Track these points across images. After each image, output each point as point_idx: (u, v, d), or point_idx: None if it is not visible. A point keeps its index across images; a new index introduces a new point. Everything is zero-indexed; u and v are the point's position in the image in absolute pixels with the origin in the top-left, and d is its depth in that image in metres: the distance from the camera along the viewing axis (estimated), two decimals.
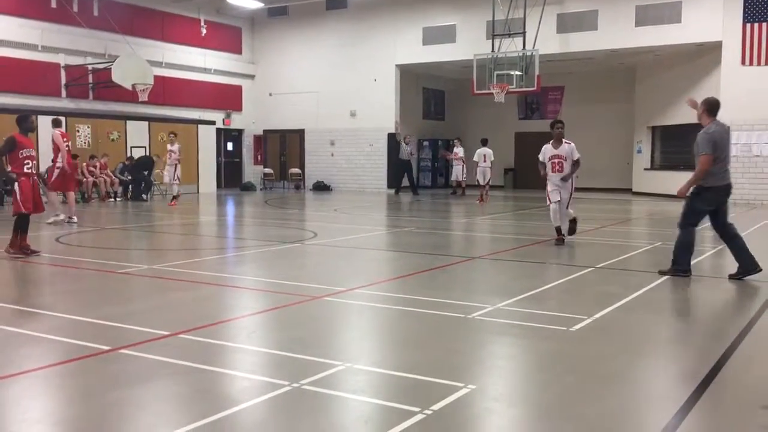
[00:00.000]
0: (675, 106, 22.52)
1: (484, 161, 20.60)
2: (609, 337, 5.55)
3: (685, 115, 21.99)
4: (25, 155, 9.32)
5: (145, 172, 21.13)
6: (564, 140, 10.67)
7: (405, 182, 24.81)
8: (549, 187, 10.78)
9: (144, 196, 20.99)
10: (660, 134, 24.31)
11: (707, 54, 20.79)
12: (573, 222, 11.06)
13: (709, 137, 7.72)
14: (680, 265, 7.94)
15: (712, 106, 7.83)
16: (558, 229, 10.78)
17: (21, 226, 9.24)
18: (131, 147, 21.90)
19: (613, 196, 23.62)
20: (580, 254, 10.30)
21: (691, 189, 7.97)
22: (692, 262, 8.14)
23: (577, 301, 6.81)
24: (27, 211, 9.27)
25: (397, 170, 24.52)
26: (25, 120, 9.54)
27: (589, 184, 27.24)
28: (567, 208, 10.76)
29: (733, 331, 5.71)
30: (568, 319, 5.87)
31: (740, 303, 7.18)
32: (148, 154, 21.98)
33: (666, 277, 8.00)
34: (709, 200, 7.82)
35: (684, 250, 7.95)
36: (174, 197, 18.97)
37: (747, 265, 7.75)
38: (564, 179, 10.63)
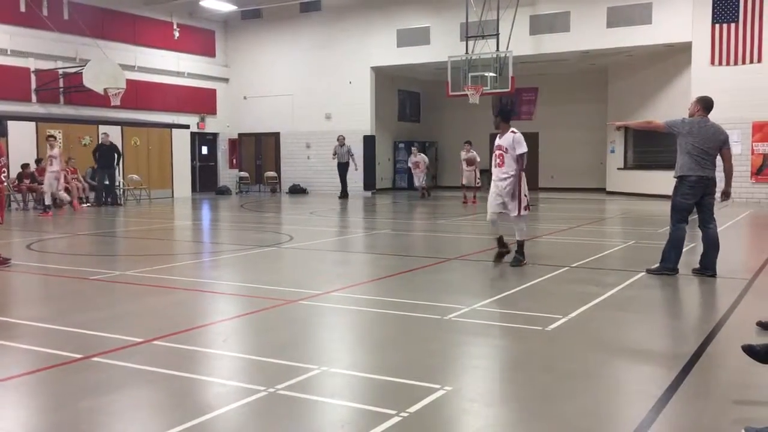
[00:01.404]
0: (647, 106, 22.82)
1: (467, 166, 20.41)
2: (584, 335, 5.58)
3: (659, 114, 22.31)
4: (2, 163, 9.16)
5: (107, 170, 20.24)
6: (511, 129, 8.78)
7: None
8: (491, 190, 8.99)
9: (108, 198, 20.17)
10: (633, 134, 24.57)
11: (678, 54, 21.08)
12: (520, 248, 8.78)
13: (683, 119, 8.14)
14: (667, 263, 8.00)
15: (705, 103, 8.08)
16: (499, 240, 8.97)
17: None
18: None
19: (587, 196, 23.84)
20: (555, 254, 10.36)
21: (622, 126, 9.44)
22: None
23: (553, 301, 6.85)
24: None
25: (340, 172, 23.46)
26: (3, 126, 9.32)
27: (563, 184, 27.52)
28: (520, 215, 8.71)
29: (707, 327, 5.78)
30: (543, 319, 5.90)
31: (713, 299, 7.27)
32: (110, 142, 20.42)
33: (642, 275, 8.08)
34: (685, 193, 7.90)
35: (672, 247, 8.02)
36: (47, 208, 16.98)
37: (707, 265, 7.92)
38: (504, 178, 8.74)
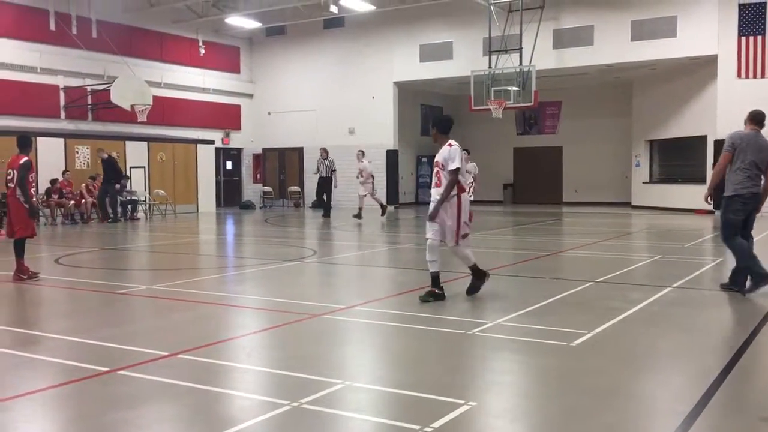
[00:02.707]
0: (673, 119, 22.64)
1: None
2: (610, 351, 5.52)
3: (684, 128, 22.15)
4: (32, 179, 9.38)
5: (118, 185, 19.95)
6: (449, 142, 7.38)
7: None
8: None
9: (110, 214, 19.67)
10: (658, 148, 24.38)
11: (703, 67, 20.90)
12: (475, 274, 7.67)
13: (730, 137, 7.76)
14: (757, 276, 7.58)
15: (753, 116, 7.87)
16: (434, 278, 7.46)
17: (22, 249, 9.22)
18: (130, 167, 21.94)
19: (612, 210, 23.63)
20: (579, 268, 10.28)
21: (709, 194, 8.06)
22: (694, 275, 8.10)
23: (578, 316, 6.79)
24: (32, 234, 9.26)
25: (319, 188, 21.11)
26: (30, 142, 9.52)
27: (587, 198, 27.33)
28: (458, 243, 7.44)
29: (735, 344, 5.69)
30: (568, 334, 5.84)
31: (742, 316, 7.15)
32: (108, 156, 20.03)
33: (668, 290, 7.98)
34: (736, 210, 7.70)
35: (744, 257, 7.72)
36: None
37: (737, 282, 7.76)
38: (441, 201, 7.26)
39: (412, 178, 28.76)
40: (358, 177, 20.29)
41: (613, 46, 21.29)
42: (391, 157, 25.34)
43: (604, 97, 26.88)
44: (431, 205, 7.44)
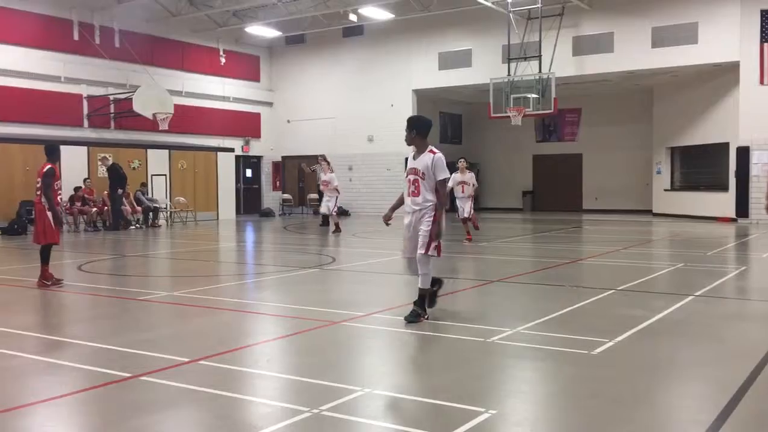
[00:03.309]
0: (694, 126, 22.45)
1: (462, 191, 15.06)
2: (632, 360, 5.48)
3: (705, 135, 21.94)
4: (58, 186, 9.50)
5: (120, 191, 19.67)
6: (430, 149, 6.83)
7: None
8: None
9: (120, 221, 19.45)
10: (680, 155, 24.18)
11: (725, 74, 20.72)
12: (420, 300, 6.85)
13: None
14: None
15: None
16: (433, 284, 7.01)
17: (48, 256, 9.36)
18: (152, 175, 22.16)
19: (633, 218, 23.45)
20: (600, 276, 10.21)
21: None
22: (717, 283, 8.02)
23: (599, 324, 6.74)
24: (56, 241, 9.39)
25: (320, 198, 20.18)
26: (57, 150, 9.65)
27: (607, 206, 27.15)
28: (427, 253, 6.73)
29: (758, 354, 5.62)
30: (589, 342, 5.80)
31: (765, 325, 7.06)
32: (111, 164, 19.99)
33: (691, 298, 7.89)
34: None
35: None
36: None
37: None
38: (418, 211, 6.77)
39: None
40: (320, 187, 17.95)
41: (633, 53, 21.17)
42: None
43: (625, 103, 26.73)
44: (406, 218, 6.83)
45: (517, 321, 6.74)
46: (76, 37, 21.41)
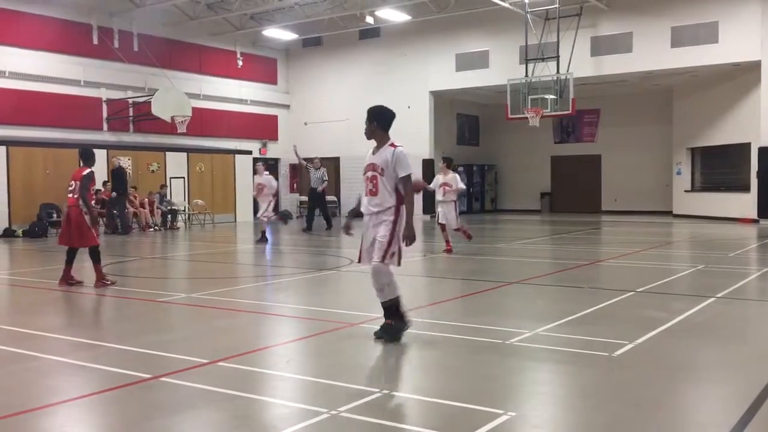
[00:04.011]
0: (715, 126, 22.22)
1: (443, 195, 13.15)
2: (653, 362, 5.42)
3: (726, 135, 21.71)
4: (92, 190, 9.64)
5: (113, 194, 19.55)
6: (391, 142, 6.23)
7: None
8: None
9: (118, 225, 19.19)
10: (700, 155, 23.95)
11: (746, 74, 20.49)
12: (389, 310, 6.13)
13: None
14: None
15: None
16: (392, 305, 6.18)
17: (98, 255, 9.48)
18: (170, 178, 22.32)
19: (653, 219, 23.25)
20: (620, 278, 10.13)
21: None
22: (738, 285, 7.94)
23: (619, 326, 6.68)
24: (97, 242, 9.53)
25: (311, 201, 19.76)
26: (93, 155, 9.76)
27: (627, 207, 26.94)
28: (384, 261, 6.02)
29: None
30: (609, 344, 5.76)
31: None
32: (118, 165, 20.28)
33: (712, 300, 7.81)
34: None
35: None
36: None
37: None
38: (378, 213, 6.04)
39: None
40: (255, 194, 16.94)
41: (652, 53, 21.00)
42: (428, 166, 25.30)
43: (644, 104, 26.52)
44: (374, 219, 6.05)
45: (537, 323, 6.70)
46: (95, 41, 21.61)
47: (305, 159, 20.02)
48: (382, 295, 6.11)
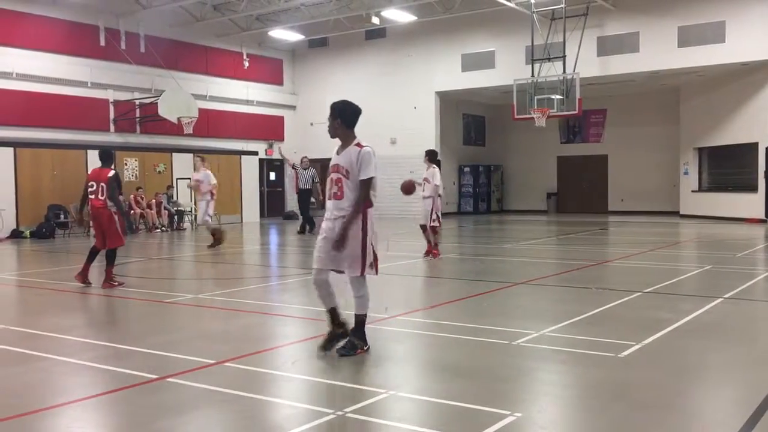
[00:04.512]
0: (722, 126, 22.14)
1: (422, 190, 12.29)
2: (660, 363, 5.40)
3: (734, 135, 21.63)
4: (119, 191, 9.75)
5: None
6: (356, 142, 5.72)
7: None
8: (320, 234, 5.77)
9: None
10: (707, 155, 23.86)
11: (753, 73, 20.42)
12: (358, 327, 5.77)
13: None
14: None
15: None
16: (332, 314, 5.81)
17: (114, 258, 9.56)
18: (177, 179, 22.37)
19: (660, 219, 23.18)
20: (627, 278, 10.10)
21: None
22: (746, 286, 7.91)
23: (626, 327, 6.66)
24: (123, 243, 9.62)
25: (301, 202, 19.06)
26: (111, 155, 9.81)
27: (633, 208, 26.87)
28: (363, 274, 5.67)
29: None
30: (616, 345, 5.74)
31: None
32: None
33: (720, 300, 7.78)
34: None
35: None
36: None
37: None
38: (341, 217, 5.57)
39: (455, 187, 28.68)
40: (191, 189, 15.98)
41: (659, 53, 20.93)
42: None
43: (651, 104, 26.44)
44: (325, 224, 5.66)
45: (543, 323, 6.69)
46: (102, 42, 21.68)
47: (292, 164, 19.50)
48: (356, 307, 5.73)
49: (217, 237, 14.90)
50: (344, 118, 5.73)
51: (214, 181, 15.18)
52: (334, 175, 5.65)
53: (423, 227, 12.52)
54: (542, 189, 29.29)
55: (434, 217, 12.17)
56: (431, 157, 12.56)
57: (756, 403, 4.34)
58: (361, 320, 5.75)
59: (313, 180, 18.72)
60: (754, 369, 5.35)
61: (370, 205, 5.64)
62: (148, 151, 22.02)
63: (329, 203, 5.68)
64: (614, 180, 27.78)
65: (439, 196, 12.30)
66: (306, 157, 19.62)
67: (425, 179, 12.29)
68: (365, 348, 5.69)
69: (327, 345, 5.68)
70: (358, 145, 5.64)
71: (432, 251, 12.39)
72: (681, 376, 5.07)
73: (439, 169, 12.75)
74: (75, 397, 4.69)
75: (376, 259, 5.72)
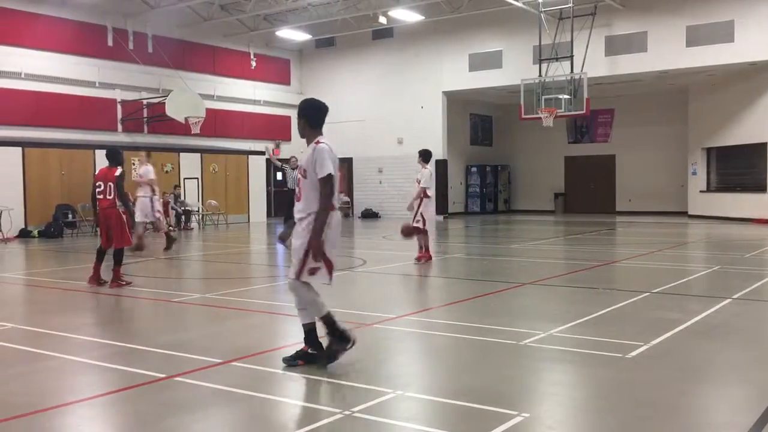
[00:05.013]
0: (731, 126, 22.05)
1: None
2: (668, 363, 5.38)
3: (742, 135, 21.53)
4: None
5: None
6: (317, 140, 5.35)
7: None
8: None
9: None
10: (716, 155, 23.76)
11: (762, 73, 20.32)
12: (308, 336, 5.39)
13: None
14: None
15: None
16: (307, 332, 5.40)
17: (121, 257, 9.58)
18: (184, 178, 22.42)
19: (668, 220, 23.09)
20: (635, 279, 10.06)
21: None
22: (755, 286, 7.87)
23: (634, 327, 6.64)
24: (131, 243, 9.64)
25: (287, 201, 18.01)
26: (118, 155, 9.78)
27: (641, 208, 26.77)
28: (298, 278, 5.27)
29: None
30: (624, 346, 5.72)
31: None
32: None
33: (728, 301, 7.74)
34: None
35: None
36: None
37: None
38: (301, 219, 5.28)
39: (462, 187, 28.66)
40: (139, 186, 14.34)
41: (667, 53, 20.85)
42: (441, 167, 25.27)
43: (659, 104, 26.35)
44: (298, 228, 5.29)
45: (550, 324, 6.67)
46: (110, 42, 21.75)
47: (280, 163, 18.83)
48: (300, 318, 5.36)
49: (171, 237, 14.37)
50: (307, 117, 5.44)
51: (152, 175, 14.17)
52: (299, 177, 5.34)
53: (415, 229, 11.85)
54: (549, 189, 29.22)
55: (418, 218, 11.62)
56: (425, 158, 12.22)
57: (765, 403, 4.31)
58: (309, 327, 5.33)
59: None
60: (763, 369, 5.32)
61: (333, 208, 5.20)
62: (155, 151, 21.97)
63: (296, 206, 5.36)
64: (622, 180, 27.69)
65: (428, 197, 11.75)
66: (294, 157, 19.07)
67: (417, 180, 11.99)
68: (346, 348, 5.25)
69: (322, 362, 5.25)
70: (317, 142, 5.29)
71: (419, 254, 11.90)
72: (689, 376, 5.05)
73: (427, 167, 12.19)
74: (83, 396, 4.70)
75: (329, 265, 5.22)
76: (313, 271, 5.19)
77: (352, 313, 7.38)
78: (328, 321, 5.26)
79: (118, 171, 9.44)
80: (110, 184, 9.39)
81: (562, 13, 21.53)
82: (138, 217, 13.38)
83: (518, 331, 6.36)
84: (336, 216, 5.28)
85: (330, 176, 5.11)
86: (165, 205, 21.09)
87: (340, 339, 5.25)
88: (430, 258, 11.99)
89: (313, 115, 5.45)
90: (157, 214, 14.23)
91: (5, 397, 4.72)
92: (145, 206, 13.92)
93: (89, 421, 4.34)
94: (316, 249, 5.09)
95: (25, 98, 19.49)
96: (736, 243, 15.04)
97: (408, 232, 11.13)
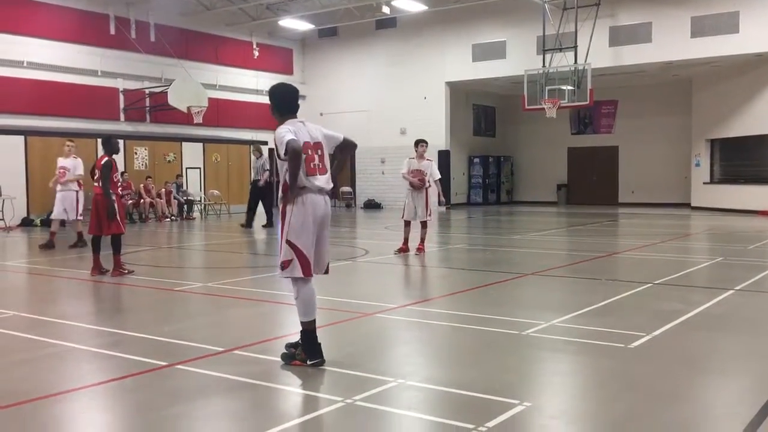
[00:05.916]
0: (735, 117, 21.97)
1: (415, 185, 11.80)
2: (670, 353, 5.38)
3: (746, 126, 21.45)
4: (117, 178, 9.77)
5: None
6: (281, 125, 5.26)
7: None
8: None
9: None
10: (719, 147, 23.70)
11: (767, 64, 20.21)
12: (302, 339, 5.11)
13: None
14: None
15: None
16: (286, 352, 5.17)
17: (119, 245, 9.58)
18: (186, 168, 22.42)
19: (671, 211, 23.05)
20: (637, 270, 10.05)
21: None
22: (758, 278, 7.85)
23: (636, 318, 6.63)
24: (122, 231, 9.61)
25: (251, 196, 18.14)
26: (110, 142, 9.78)
27: (644, 199, 26.72)
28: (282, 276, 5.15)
29: None
30: (626, 336, 5.71)
31: None
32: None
33: (731, 292, 7.73)
34: None
35: None
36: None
37: None
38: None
39: (464, 178, 28.61)
40: (54, 181, 13.43)
41: (672, 43, 20.75)
42: (443, 157, 25.23)
43: (663, 95, 26.25)
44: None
45: (553, 314, 6.66)
46: (112, 31, 21.70)
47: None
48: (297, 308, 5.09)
49: (51, 240, 12.93)
50: (274, 103, 5.27)
51: (81, 170, 13.19)
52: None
53: (407, 224, 11.81)
54: (552, 180, 29.17)
55: (429, 210, 11.73)
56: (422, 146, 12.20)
57: (767, 394, 4.31)
58: (303, 328, 5.03)
59: (263, 169, 17.88)
60: (765, 360, 5.31)
61: (290, 193, 4.95)
62: (157, 141, 22.06)
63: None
64: (625, 171, 27.63)
65: (412, 188, 11.73)
66: (258, 147, 18.87)
67: (419, 172, 11.87)
68: (307, 362, 4.92)
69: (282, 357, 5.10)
70: (288, 128, 5.11)
71: (419, 247, 11.69)
72: (691, 367, 5.04)
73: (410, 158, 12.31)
74: (85, 383, 4.71)
75: (302, 257, 4.93)
76: (284, 265, 4.94)
77: (353, 303, 7.39)
78: (308, 329, 4.99)
79: (104, 160, 9.49)
80: (99, 172, 9.45)
81: (566, 3, 21.42)
82: (57, 214, 12.94)
83: (520, 321, 6.36)
84: (311, 199, 4.99)
85: (288, 154, 4.83)
86: (168, 194, 21.13)
87: (310, 352, 4.93)
88: (407, 250, 11.69)
89: (278, 102, 5.27)
90: (80, 217, 13.10)
91: (8, 384, 4.73)
92: (70, 201, 12.94)
93: (91, 408, 4.35)
94: (289, 197, 4.93)
95: (28, 87, 19.45)
96: (739, 234, 15.01)
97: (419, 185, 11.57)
